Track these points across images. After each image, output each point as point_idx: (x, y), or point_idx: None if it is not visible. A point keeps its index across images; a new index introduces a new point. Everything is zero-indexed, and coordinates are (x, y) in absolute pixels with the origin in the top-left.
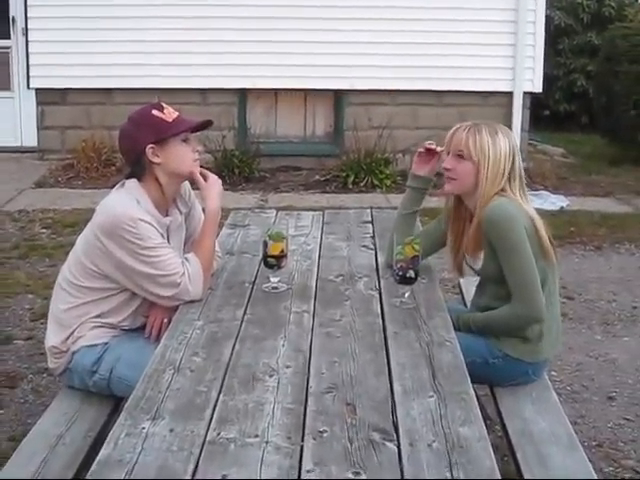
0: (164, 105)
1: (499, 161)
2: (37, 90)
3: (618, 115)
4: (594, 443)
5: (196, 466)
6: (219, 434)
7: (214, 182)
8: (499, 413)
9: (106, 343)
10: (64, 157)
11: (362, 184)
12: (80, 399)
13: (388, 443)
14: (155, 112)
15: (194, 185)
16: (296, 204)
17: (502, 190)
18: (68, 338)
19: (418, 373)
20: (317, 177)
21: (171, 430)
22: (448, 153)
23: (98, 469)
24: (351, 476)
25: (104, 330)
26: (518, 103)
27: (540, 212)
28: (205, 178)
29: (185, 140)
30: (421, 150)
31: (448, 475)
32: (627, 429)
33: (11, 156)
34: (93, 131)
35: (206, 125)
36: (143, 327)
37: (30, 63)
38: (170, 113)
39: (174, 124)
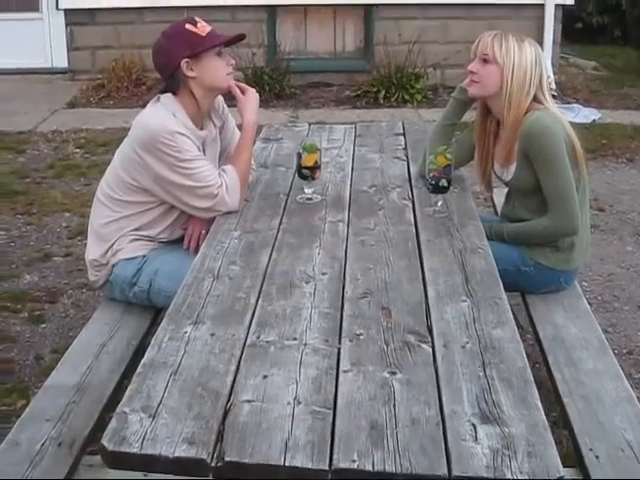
0: (197, 19)
1: (525, 67)
2: (66, 10)
3: None
4: (624, 351)
5: (237, 367)
6: (259, 337)
7: (251, 95)
8: (531, 319)
9: (145, 256)
10: (95, 77)
11: (393, 99)
12: (121, 310)
13: (423, 344)
14: (189, 26)
15: (228, 99)
16: (327, 120)
17: (536, 101)
18: (108, 251)
19: (451, 279)
20: (348, 93)
21: (212, 334)
22: (474, 58)
23: (144, 371)
24: (387, 375)
25: (143, 243)
26: (550, 15)
27: (572, 125)
28: (243, 92)
29: (219, 54)
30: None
31: (481, 374)
32: None
33: (42, 77)
34: (123, 51)
35: (239, 39)
36: (181, 240)
37: None
38: (204, 27)
39: (208, 38)
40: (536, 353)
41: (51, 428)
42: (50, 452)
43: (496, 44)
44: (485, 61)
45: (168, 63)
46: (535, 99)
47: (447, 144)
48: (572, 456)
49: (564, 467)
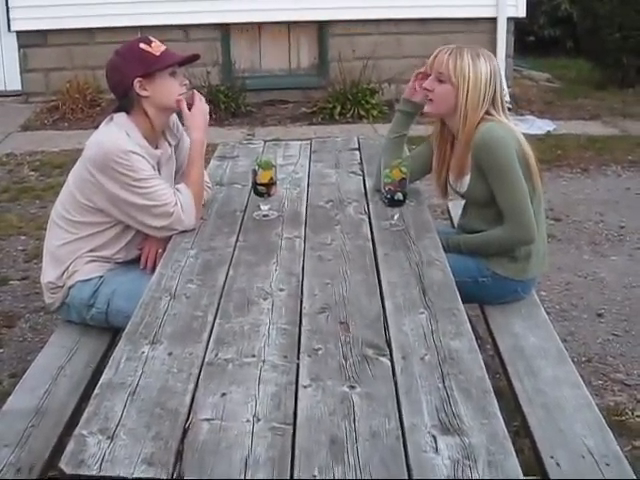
0: (152, 39)
1: (479, 85)
2: (18, 32)
3: (603, 38)
4: (584, 359)
5: (196, 385)
6: (217, 355)
7: (197, 111)
8: (490, 330)
9: (101, 276)
10: (49, 99)
11: (349, 115)
12: (78, 332)
13: (381, 358)
14: (143, 45)
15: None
16: (283, 137)
17: (488, 114)
18: (64, 273)
19: (409, 291)
20: (304, 109)
21: (170, 353)
22: (429, 74)
23: (101, 392)
24: (346, 389)
25: (99, 264)
26: (502, 29)
27: (527, 136)
28: (190, 105)
29: (173, 74)
30: (417, 74)
31: (440, 385)
32: (616, 344)
33: None
34: (77, 72)
35: (194, 59)
36: (137, 259)
37: (10, 5)
38: (158, 47)
39: (162, 57)
40: (496, 364)
41: (9, 453)
42: (9, 478)
43: (451, 63)
44: (440, 78)
45: (121, 82)
46: (487, 112)
47: (399, 157)
48: (534, 465)
49: (526, 476)
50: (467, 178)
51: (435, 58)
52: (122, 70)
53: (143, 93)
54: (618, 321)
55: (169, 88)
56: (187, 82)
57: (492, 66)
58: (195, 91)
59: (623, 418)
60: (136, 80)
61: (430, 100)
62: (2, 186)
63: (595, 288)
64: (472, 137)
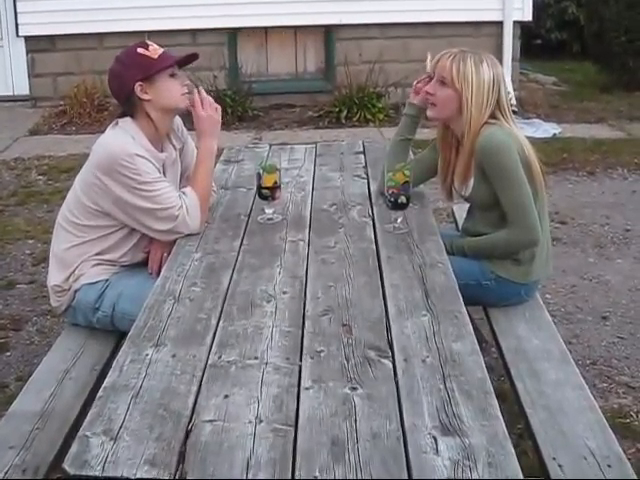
0: (149, 43)
1: (482, 90)
2: (26, 37)
3: (609, 42)
4: (588, 361)
5: (199, 387)
6: (220, 357)
7: (207, 117)
8: (493, 332)
9: (107, 280)
10: (57, 104)
11: (355, 119)
12: (84, 335)
13: (383, 359)
14: (140, 50)
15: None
16: (290, 141)
17: (493, 118)
18: (70, 276)
19: (411, 294)
20: (310, 113)
21: (173, 356)
22: (432, 78)
23: (105, 394)
24: (348, 391)
25: (104, 267)
26: (508, 32)
27: (533, 140)
28: (202, 107)
29: (173, 75)
30: (419, 80)
31: (442, 387)
32: (620, 347)
33: (3, 105)
34: (84, 77)
35: (191, 59)
36: (143, 263)
37: (18, 10)
38: (155, 50)
39: (160, 60)
40: (500, 366)
41: (15, 455)
42: (14, 479)
43: (454, 68)
44: (443, 82)
45: (122, 88)
46: (492, 116)
47: (404, 160)
48: (537, 468)
49: (530, 478)
50: (471, 182)
51: (438, 62)
52: (122, 76)
53: (145, 97)
54: (623, 324)
55: (170, 89)
56: (188, 82)
57: (495, 72)
58: (208, 97)
59: (628, 421)
60: (137, 84)
61: (432, 104)
62: (10, 190)
63: (600, 291)
64: (475, 141)
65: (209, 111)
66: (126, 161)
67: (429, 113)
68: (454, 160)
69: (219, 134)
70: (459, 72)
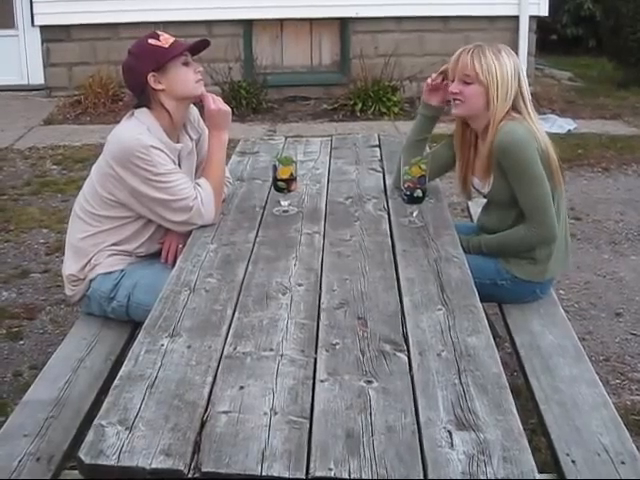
0: (160, 33)
1: (506, 80)
2: (41, 27)
3: (625, 38)
4: (602, 358)
5: (214, 378)
6: (235, 348)
7: (219, 111)
8: (507, 328)
9: (122, 270)
10: (71, 94)
11: (370, 112)
12: (99, 325)
13: (399, 353)
14: (151, 41)
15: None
16: (305, 133)
17: (514, 110)
18: (85, 266)
19: (427, 288)
20: (325, 106)
21: (189, 346)
22: (454, 79)
23: (121, 384)
24: (363, 384)
25: (120, 257)
26: (524, 27)
27: (548, 135)
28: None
29: (185, 63)
30: (429, 82)
31: (457, 381)
32: (634, 344)
33: (18, 95)
34: (99, 67)
35: (203, 45)
36: (158, 254)
37: (33, 0)
38: (166, 39)
39: (171, 49)
40: (515, 361)
41: (29, 443)
42: (28, 467)
43: (476, 63)
44: (466, 82)
45: (136, 80)
46: (514, 107)
47: (420, 156)
48: (551, 463)
49: (543, 474)
50: (491, 179)
51: (457, 61)
52: (135, 68)
53: (158, 87)
54: (637, 320)
55: (183, 77)
56: (201, 69)
57: (514, 60)
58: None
59: None
60: (150, 75)
61: (460, 102)
62: (24, 179)
63: (614, 287)
64: (494, 137)
65: (219, 104)
66: (141, 152)
67: (455, 111)
68: (473, 158)
69: (230, 126)
70: (482, 66)
